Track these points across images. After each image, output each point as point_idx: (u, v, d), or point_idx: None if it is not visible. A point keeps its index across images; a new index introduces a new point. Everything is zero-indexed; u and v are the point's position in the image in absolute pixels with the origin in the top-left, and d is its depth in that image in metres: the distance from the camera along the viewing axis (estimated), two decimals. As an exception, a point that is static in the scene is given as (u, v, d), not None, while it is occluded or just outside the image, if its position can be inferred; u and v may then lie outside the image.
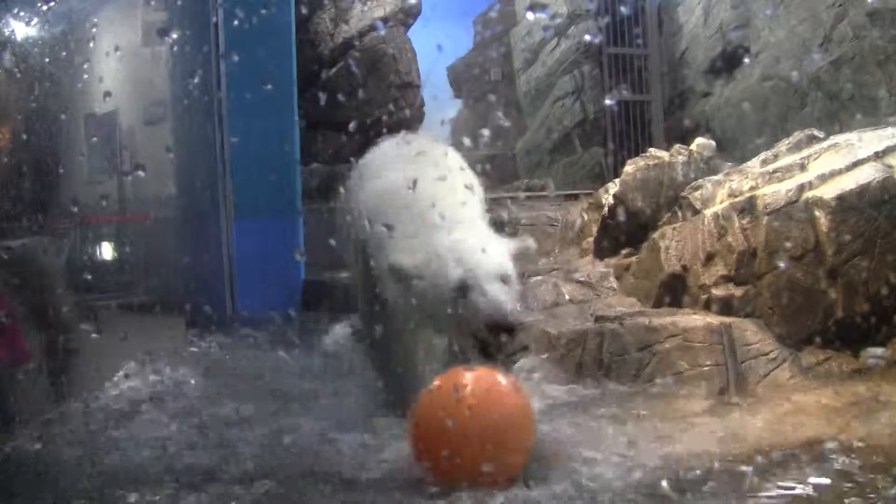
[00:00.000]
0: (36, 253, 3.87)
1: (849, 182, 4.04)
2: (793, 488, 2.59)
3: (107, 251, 6.89)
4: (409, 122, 10.01)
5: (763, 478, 2.67)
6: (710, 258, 4.51)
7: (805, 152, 4.62)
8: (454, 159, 3.60)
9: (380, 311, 3.28)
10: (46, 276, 3.93)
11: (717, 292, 4.39)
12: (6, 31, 4.55)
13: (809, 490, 2.58)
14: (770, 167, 4.65)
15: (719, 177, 4.93)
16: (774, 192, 4.27)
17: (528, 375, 3.95)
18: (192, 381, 4.18)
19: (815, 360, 3.93)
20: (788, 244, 4.07)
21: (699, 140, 5.73)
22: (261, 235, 6.00)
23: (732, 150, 6.47)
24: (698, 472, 2.77)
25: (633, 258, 5.30)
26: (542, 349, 4.21)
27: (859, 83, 6.01)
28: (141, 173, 4.79)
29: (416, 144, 3.71)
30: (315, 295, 5.97)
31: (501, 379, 2.77)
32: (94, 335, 3.73)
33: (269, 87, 5.74)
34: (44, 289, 3.87)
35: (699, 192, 4.87)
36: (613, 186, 5.91)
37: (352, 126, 8.77)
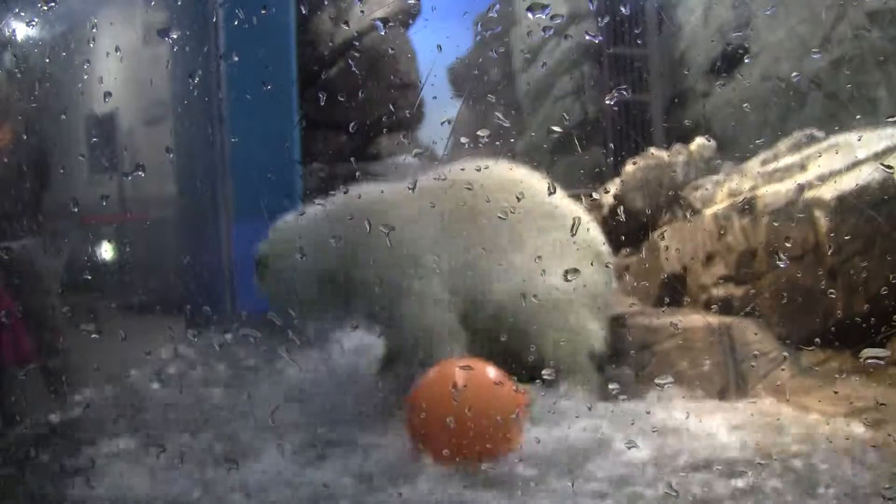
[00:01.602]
0: (34, 254, 3.87)
1: (848, 182, 4.04)
2: (791, 489, 2.59)
3: (107, 251, 6.88)
4: (409, 122, 10.02)
5: (761, 478, 2.67)
6: (710, 258, 4.51)
7: (805, 152, 4.62)
8: None
9: None
10: (44, 278, 3.93)
11: (717, 292, 4.39)
12: (6, 31, 4.55)
13: (808, 491, 2.58)
14: (770, 167, 4.65)
15: (719, 177, 4.93)
16: (774, 192, 4.27)
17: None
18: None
19: (815, 360, 3.93)
20: (788, 244, 4.07)
21: (699, 140, 5.73)
22: (261, 235, 5.99)
23: (732, 150, 6.46)
24: (697, 473, 2.77)
25: (633, 258, 5.31)
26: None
27: (859, 83, 6.01)
28: (141, 173, 4.78)
29: None
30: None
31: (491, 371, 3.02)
32: (93, 335, 3.73)
33: (269, 87, 5.73)
34: (41, 290, 3.86)
35: (699, 192, 4.88)
36: (613, 186, 5.91)
37: (352, 126, 8.77)
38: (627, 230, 5.47)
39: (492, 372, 3.03)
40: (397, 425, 3.16)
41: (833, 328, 3.94)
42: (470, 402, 2.81)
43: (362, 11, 9.14)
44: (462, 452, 2.81)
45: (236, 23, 5.64)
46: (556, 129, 8.97)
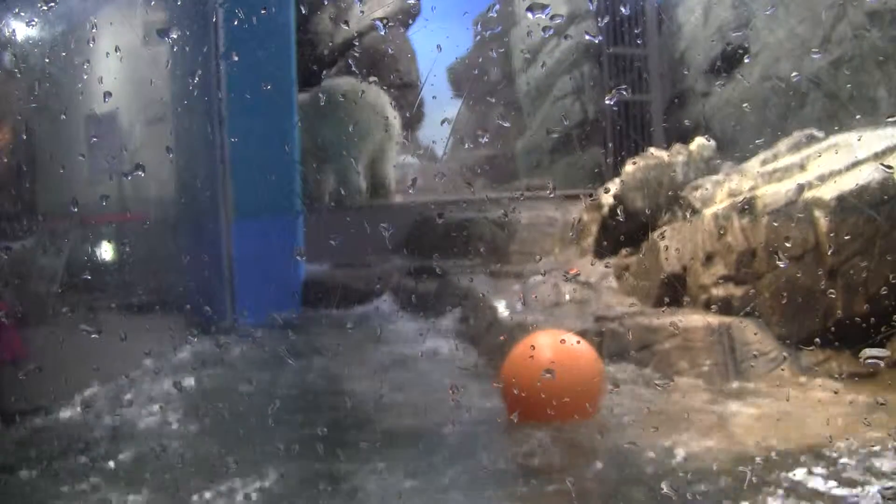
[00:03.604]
0: (34, 253, 3.87)
1: (848, 182, 4.04)
2: (791, 489, 2.59)
3: (107, 251, 6.88)
4: (409, 121, 10.02)
5: (761, 478, 2.67)
6: (710, 258, 4.51)
7: (805, 152, 4.62)
8: None
9: None
10: (43, 277, 3.93)
11: (717, 292, 4.39)
12: (6, 32, 4.55)
13: (808, 490, 2.58)
14: (770, 167, 4.65)
15: (719, 177, 4.93)
16: (774, 192, 4.27)
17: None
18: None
19: (815, 360, 3.93)
20: (788, 244, 4.07)
21: (699, 140, 5.73)
22: (261, 235, 5.99)
23: (732, 150, 6.46)
24: (697, 472, 2.77)
25: (633, 258, 5.30)
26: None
27: (859, 83, 6.01)
28: (141, 173, 4.79)
29: None
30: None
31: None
32: (93, 335, 3.73)
33: (269, 87, 5.74)
34: (40, 289, 3.86)
35: (699, 192, 4.87)
36: (613, 186, 5.91)
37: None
38: (627, 230, 5.47)
39: (580, 344, 3.43)
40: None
41: (833, 328, 3.93)
42: (561, 370, 3.13)
43: (362, 11, 9.15)
44: (551, 415, 3.11)
45: (236, 23, 5.65)
46: (555, 129, 8.97)
